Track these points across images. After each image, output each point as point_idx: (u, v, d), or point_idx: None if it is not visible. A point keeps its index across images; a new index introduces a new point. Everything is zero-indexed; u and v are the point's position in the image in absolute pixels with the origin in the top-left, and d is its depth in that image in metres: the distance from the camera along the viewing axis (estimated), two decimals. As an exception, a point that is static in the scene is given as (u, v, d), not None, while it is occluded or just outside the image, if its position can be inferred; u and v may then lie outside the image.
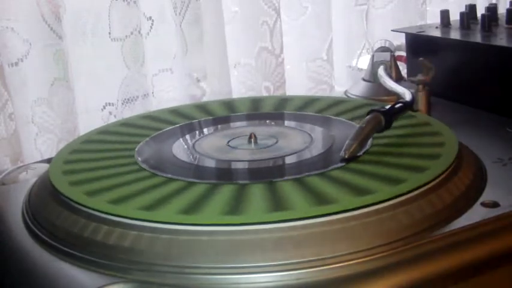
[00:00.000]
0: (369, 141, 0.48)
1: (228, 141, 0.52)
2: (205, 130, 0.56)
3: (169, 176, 0.44)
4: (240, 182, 0.44)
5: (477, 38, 0.67)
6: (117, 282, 0.35)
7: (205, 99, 0.77)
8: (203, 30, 0.76)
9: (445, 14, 0.74)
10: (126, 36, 0.70)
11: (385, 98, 0.64)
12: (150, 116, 0.61)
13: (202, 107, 0.62)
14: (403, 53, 0.75)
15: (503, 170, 0.47)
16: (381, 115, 0.48)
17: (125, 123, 0.59)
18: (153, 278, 0.35)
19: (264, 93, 0.80)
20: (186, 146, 0.52)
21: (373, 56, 0.69)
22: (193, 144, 0.52)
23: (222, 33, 0.76)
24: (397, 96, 0.57)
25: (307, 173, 0.43)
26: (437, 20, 0.75)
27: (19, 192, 0.49)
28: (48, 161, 0.52)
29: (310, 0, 0.84)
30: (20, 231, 0.43)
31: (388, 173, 0.43)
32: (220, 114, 0.60)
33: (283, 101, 0.63)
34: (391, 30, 0.77)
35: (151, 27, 0.73)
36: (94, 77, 0.71)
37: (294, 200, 0.39)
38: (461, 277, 0.37)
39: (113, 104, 0.72)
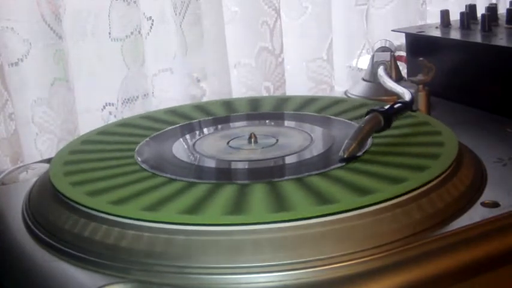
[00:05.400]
0: (369, 141, 0.48)
1: (228, 141, 0.52)
2: (205, 130, 0.56)
3: (170, 176, 0.44)
4: (240, 182, 0.44)
5: (477, 38, 0.67)
6: (117, 282, 0.35)
7: (205, 99, 0.77)
8: (203, 30, 0.75)
9: (445, 14, 0.74)
10: (126, 36, 0.70)
11: (385, 98, 0.64)
12: (175, 111, 0.61)
13: (229, 104, 0.63)
14: (403, 53, 0.75)
15: (503, 170, 0.47)
16: (380, 115, 0.48)
17: (125, 124, 0.59)
18: (153, 278, 0.35)
19: (264, 93, 0.80)
20: (186, 146, 0.52)
21: (373, 56, 0.69)
22: (194, 144, 0.52)
23: (222, 33, 0.76)
24: (397, 96, 0.57)
25: (306, 173, 0.43)
26: (437, 20, 0.75)
27: (19, 192, 0.49)
28: (48, 161, 0.52)
29: (310, 0, 0.84)
30: (20, 231, 0.43)
31: (387, 173, 0.43)
32: (245, 112, 0.60)
33: (310, 101, 0.63)
34: (391, 30, 0.77)
35: (151, 27, 0.73)
36: (94, 77, 0.71)
37: (294, 200, 0.39)
38: (461, 277, 0.37)
39: (113, 104, 0.72)
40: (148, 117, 0.60)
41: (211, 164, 0.48)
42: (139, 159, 0.49)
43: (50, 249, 0.40)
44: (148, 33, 0.73)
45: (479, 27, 0.69)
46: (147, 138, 0.53)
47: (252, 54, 0.80)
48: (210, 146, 0.51)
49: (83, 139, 0.55)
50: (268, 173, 0.46)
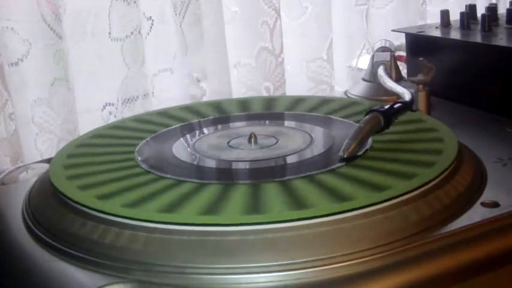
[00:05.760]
0: (369, 141, 0.48)
1: (229, 141, 0.52)
2: (206, 130, 0.56)
3: (173, 177, 0.44)
4: (245, 182, 0.44)
5: (477, 38, 0.67)
6: (117, 282, 0.35)
7: (205, 99, 0.77)
8: (203, 30, 0.75)
9: (445, 14, 0.74)
10: (126, 36, 0.70)
11: (385, 98, 0.64)
12: (187, 108, 0.61)
13: (243, 103, 0.63)
14: (403, 53, 0.75)
15: (503, 170, 0.47)
16: (380, 115, 0.48)
17: (136, 119, 0.60)
18: (153, 278, 0.35)
19: (264, 94, 0.80)
20: (186, 146, 0.52)
21: (373, 56, 0.69)
22: (194, 144, 0.52)
23: (222, 33, 0.76)
24: (397, 96, 0.57)
25: (307, 173, 0.43)
26: (437, 20, 0.75)
27: (19, 192, 0.49)
28: (48, 161, 0.52)
29: (310, 0, 0.84)
30: (20, 231, 0.43)
31: (387, 173, 0.43)
32: (259, 112, 0.60)
33: (325, 101, 0.63)
34: (391, 30, 0.77)
35: (151, 27, 0.73)
36: (94, 77, 0.71)
37: (295, 200, 0.39)
38: (461, 277, 0.37)
39: (113, 104, 0.72)
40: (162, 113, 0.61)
41: (215, 164, 0.48)
42: (139, 158, 0.49)
43: (50, 249, 0.40)
44: (148, 33, 0.73)
45: (479, 27, 0.69)
46: (148, 138, 0.53)
47: (252, 54, 0.80)
48: (210, 145, 0.51)
49: (83, 139, 0.55)
50: (271, 172, 0.46)
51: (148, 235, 0.37)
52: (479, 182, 0.44)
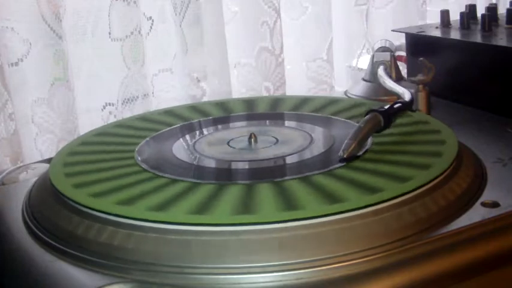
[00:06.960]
0: (369, 141, 0.48)
1: (228, 141, 0.52)
2: (205, 130, 0.56)
3: (171, 176, 0.44)
4: (241, 182, 0.44)
5: (477, 38, 0.67)
6: (117, 282, 0.35)
7: (205, 99, 0.77)
8: (203, 30, 0.76)
9: (445, 14, 0.74)
10: (126, 36, 0.70)
11: (385, 98, 0.64)
12: (192, 107, 0.61)
13: (247, 103, 0.63)
14: (403, 53, 0.75)
15: (503, 170, 0.47)
16: (379, 115, 0.48)
17: (124, 124, 0.59)
18: (153, 278, 0.35)
19: (264, 93, 0.80)
20: (186, 146, 0.52)
21: (373, 56, 0.69)
22: (194, 144, 0.52)
23: (222, 33, 0.77)
24: (397, 96, 0.57)
25: (308, 173, 0.43)
26: (437, 20, 0.75)
27: (19, 192, 0.49)
28: (48, 161, 0.52)
29: (310, 0, 0.84)
30: (20, 231, 0.43)
31: (387, 173, 0.43)
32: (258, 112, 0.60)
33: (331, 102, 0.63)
34: (391, 30, 0.77)
35: (151, 27, 0.73)
36: (94, 77, 0.71)
37: (295, 200, 0.39)
38: (461, 277, 0.37)
39: (113, 104, 0.72)
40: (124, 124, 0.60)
41: (212, 164, 0.48)
42: (139, 159, 0.49)
43: (50, 249, 0.40)
44: (148, 33, 0.73)
45: (479, 27, 0.69)
46: (147, 138, 0.53)
47: (252, 54, 0.80)
48: (209, 145, 0.51)
49: (83, 139, 0.55)
50: (268, 173, 0.46)
51: (149, 235, 0.37)
52: (479, 182, 0.44)
